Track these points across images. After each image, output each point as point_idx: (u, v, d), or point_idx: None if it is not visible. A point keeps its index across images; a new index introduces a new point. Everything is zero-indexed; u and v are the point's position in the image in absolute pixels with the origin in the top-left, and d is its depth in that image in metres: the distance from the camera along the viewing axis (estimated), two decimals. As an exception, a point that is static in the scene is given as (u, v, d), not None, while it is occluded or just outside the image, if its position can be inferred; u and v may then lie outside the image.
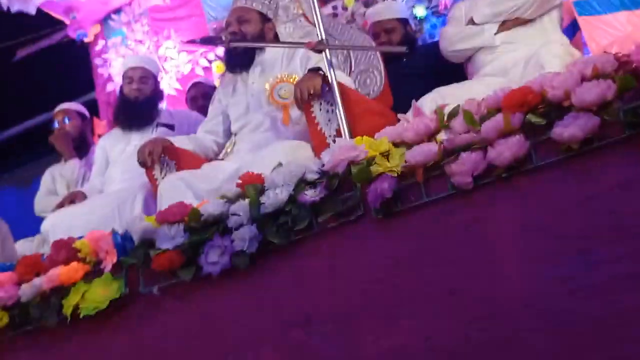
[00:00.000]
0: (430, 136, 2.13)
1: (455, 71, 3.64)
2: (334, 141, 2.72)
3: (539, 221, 1.94)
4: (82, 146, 4.36)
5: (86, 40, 5.29)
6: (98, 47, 5.39)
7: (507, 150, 1.93)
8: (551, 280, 1.88)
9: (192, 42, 3.20)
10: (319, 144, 2.88)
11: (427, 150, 2.05)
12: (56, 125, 4.40)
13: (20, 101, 6.22)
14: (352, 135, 2.53)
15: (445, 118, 2.11)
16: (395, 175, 2.09)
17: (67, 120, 4.37)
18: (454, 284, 2.00)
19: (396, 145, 2.17)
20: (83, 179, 4.18)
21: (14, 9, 4.62)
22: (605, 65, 1.96)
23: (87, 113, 4.54)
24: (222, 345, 2.26)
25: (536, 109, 1.97)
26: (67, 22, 5.14)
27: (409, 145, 2.13)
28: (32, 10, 4.71)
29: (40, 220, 3.73)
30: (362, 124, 2.72)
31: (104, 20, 5.36)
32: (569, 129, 1.86)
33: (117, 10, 5.30)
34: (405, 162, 2.09)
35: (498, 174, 1.97)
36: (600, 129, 1.87)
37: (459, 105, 2.11)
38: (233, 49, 3.30)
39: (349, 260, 2.15)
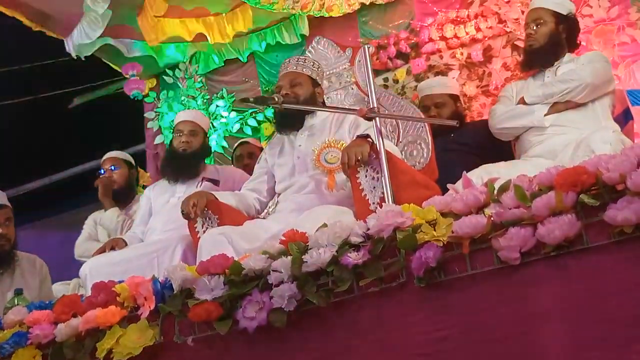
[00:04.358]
0: (479, 209, 2.11)
1: (502, 150, 3.65)
2: (377, 209, 2.72)
3: (584, 304, 1.90)
4: (127, 194, 4.43)
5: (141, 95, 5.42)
6: (151, 100, 5.53)
7: (557, 228, 1.90)
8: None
9: (245, 100, 3.24)
10: (361, 211, 2.88)
11: (475, 222, 2.03)
12: (102, 172, 4.49)
13: (72, 147, 6.37)
14: (395, 204, 2.52)
15: (496, 192, 2.10)
16: (441, 244, 2.08)
17: (114, 169, 4.45)
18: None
19: (444, 215, 2.16)
20: (122, 228, 4.22)
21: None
22: (662, 151, 1.94)
23: (133, 162, 4.62)
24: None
25: (589, 190, 1.95)
26: (125, 76, 5.28)
27: (456, 216, 2.12)
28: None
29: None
30: (406, 194, 2.71)
31: (159, 74, 5.51)
32: (622, 213, 1.83)
33: (173, 66, 5.44)
34: (452, 232, 2.07)
35: (546, 252, 1.94)
36: (654, 215, 1.84)
37: (510, 180, 2.10)
38: (284, 110, 3.35)
39: (387, 327, 2.11)
